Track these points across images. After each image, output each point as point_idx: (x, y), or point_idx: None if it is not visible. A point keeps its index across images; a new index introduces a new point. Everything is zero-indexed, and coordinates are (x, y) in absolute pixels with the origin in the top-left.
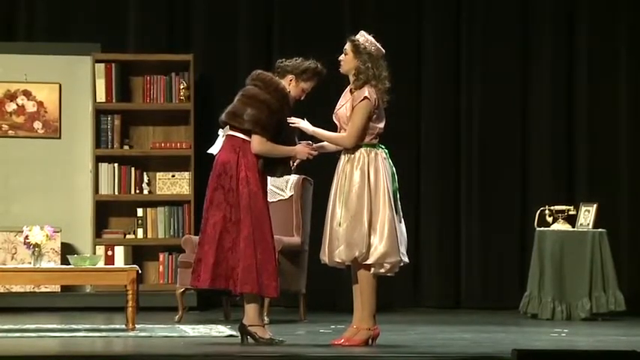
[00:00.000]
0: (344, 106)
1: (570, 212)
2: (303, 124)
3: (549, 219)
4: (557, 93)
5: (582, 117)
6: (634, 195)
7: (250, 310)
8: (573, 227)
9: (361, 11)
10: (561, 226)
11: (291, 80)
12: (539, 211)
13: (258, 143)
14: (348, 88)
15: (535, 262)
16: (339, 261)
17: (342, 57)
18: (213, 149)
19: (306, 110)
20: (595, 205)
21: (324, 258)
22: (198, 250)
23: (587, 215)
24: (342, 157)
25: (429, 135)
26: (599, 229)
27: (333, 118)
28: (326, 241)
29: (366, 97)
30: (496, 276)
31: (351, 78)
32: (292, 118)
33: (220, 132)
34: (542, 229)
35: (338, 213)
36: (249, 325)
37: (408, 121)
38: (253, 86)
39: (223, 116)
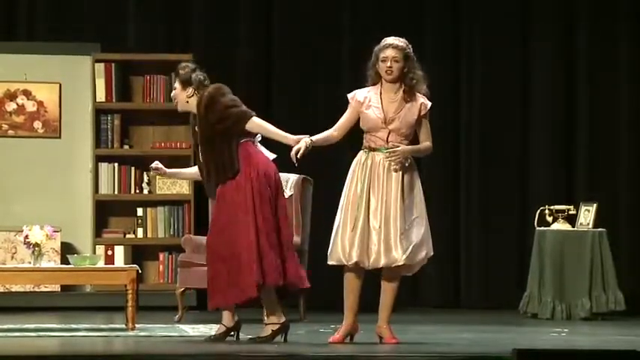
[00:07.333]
0: (402, 112)
1: (570, 212)
2: (402, 149)
3: (549, 219)
4: (557, 92)
5: (582, 116)
6: (634, 195)
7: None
8: (573, 227)
9: (361, 12)
10: (561, 225)
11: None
12: (539, 211)
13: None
14: (394, 93)
15: (535, 262)
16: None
17: (390, 64)
18: (270, 154)
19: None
20: (595, 205)
21: (379, 261)
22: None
23: (587, 215)
24: (373, 157)
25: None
26: (599, 229)
27: (378, 122)
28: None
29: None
30: (496, 276)
31: (397, 84)
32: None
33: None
34: (542, 228)
35: (396, 215)
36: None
37: None
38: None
39: None
